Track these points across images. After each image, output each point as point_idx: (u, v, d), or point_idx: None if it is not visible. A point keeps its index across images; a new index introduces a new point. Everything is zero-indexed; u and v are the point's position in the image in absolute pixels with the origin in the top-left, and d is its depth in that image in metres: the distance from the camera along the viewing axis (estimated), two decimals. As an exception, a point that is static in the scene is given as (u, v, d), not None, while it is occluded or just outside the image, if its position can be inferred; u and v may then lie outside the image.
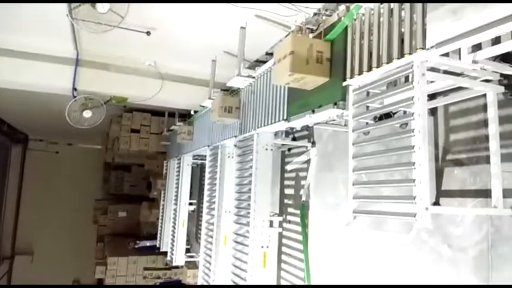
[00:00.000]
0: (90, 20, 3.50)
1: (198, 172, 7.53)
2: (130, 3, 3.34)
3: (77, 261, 10.80)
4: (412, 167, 1.79)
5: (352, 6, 2.29)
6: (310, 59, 2.46)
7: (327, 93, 2.55)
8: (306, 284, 3.62)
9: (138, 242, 8.64)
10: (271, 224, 3.69)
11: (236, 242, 3.88)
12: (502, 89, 1.97)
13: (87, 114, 5.07)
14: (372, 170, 2.15)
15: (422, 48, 1.77)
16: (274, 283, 4.12)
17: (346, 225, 2.17)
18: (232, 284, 3.78)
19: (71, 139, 10.82)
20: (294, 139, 4.10)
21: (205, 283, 4.90)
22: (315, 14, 3.12)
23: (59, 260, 10.70)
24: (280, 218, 4.02)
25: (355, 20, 2.30)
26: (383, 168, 2.06)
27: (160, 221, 7.90)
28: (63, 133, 9.83)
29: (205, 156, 6.31)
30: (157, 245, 7.91)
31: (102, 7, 3.20)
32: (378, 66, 2.07)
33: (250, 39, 3.85)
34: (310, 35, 2.75)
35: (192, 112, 5.81)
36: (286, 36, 2.85)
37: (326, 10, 3.04)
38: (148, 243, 8.43)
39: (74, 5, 3.30)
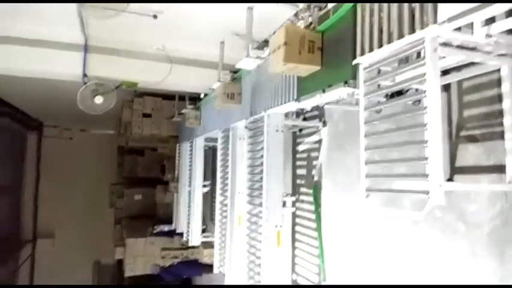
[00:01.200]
0: (97, 6, 3.48)
1: (210, 154, 7.58)
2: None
3: (96, 243, 11.16)
4: (424, 145, 1.77)
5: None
6: (302, 49, 2.60)
7: (337, 72, 2.52)
8: (320, 263, 3.68)
9: (155, 227, 8.80)
10: (284, 204, 3.73)
11: (250, 222, 3.93)
12: (517, 62, 1.92)
13: (98, 100, 5.10)
14: (384, 148, 2.14)
15: (434, 23, 1.73)
16: (289, 261, 4.18)
17: (360, 203, 2.17)
18: (248, 259, 3.85)
19: (84, 125, 10.99)
20: (304, 119, 4.08)
21: (221, 262, 5.01)
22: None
23: (79, 243, 11.06)
24: (293, 198, 4.05)
25: (364, -4, 2.25)
26: (395, 147, 2.04)
27: (175, 203, 8.03)
28: (76, 119, 9.97)
29: (216, 138, 6.38)
30: (173, 227, 8.08)
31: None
32: (388, 43, 2.03)
33: (258, 19, 3.79)
34: (301, 24, 2.76)
35: (202, 95, 5.80)
36: (279, 28, 2.87)
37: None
38: (166, 228, 8.57)
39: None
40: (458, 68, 2.27)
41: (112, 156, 11.80)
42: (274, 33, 4.64)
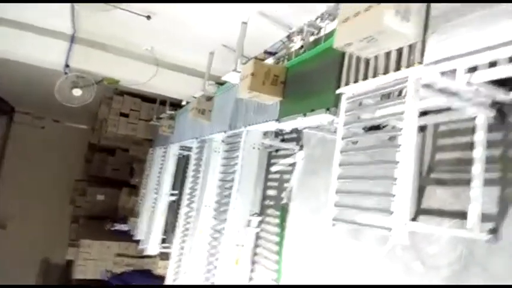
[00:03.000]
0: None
1: (182, 163, 7.46)
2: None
3: (48, 239, 10.62)
4: (393, 181, 1.78)
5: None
6: (266, 81, 3.00)
7: (321, 98, 2.55)
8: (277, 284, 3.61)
9: (115, 224, 8.55)
10: (249, 224, 3.68)
11: (212, 237, 3.85)
12: (493, 113, 1.98)
13: (76, 92, 4.98)
14: (355, 180, 2.15)
15: (420, 63, 1.77)
16: (246, 281, 4.09)
17: (325, 232, 2.16)
18: (204, 284, 3.75)
19: (58, 116, 10.64)
20: (282, 140, 4.08)
21: (176, 275, 4.86)
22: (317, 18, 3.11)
23: (30, 236, 10.50)
24: (260, 218, 4.00)
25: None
26: (367, 179, 2.05)
27: (138, 208, 7.82)
28: (50, 109, 9.66)
29: (191, 148, 6.30)
30: (132, 233, 7.83)
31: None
32: (374, 76, 2.07)
33: (249, 35, 3.82)
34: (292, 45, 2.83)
35: (184, 103, 5.76)
36: (250, 62, 3.18)
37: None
38: (125, 228, 8.33)
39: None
40: (436, 111, 2.33)
41: (82, 151, 11.44)
42: (264, 51, 4.74)
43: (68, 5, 4.12)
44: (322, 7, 3.47)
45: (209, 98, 4.84)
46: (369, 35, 1.82)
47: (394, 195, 1.76)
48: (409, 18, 1.77)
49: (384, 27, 1.72)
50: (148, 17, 4.15)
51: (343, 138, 2.25)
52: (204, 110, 4.72)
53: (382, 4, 1.71)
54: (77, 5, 3.46)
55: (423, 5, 1.81)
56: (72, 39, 4.75)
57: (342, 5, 2.07)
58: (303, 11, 3.63)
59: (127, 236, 8.15)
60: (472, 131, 2.17)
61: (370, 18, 1.77)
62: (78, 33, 4.79)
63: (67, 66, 4.86)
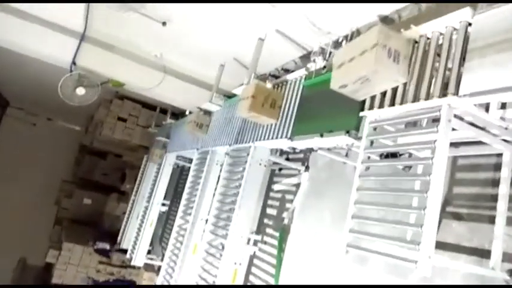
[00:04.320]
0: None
1: (176, 173, 7.34)
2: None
3: (27, 239, 10.22)
4: (422, 211, 1.73)
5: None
6: (265, 103, 3.19)
7: (340, 120, 2.51)
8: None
9: (97, 242, 8.22)
10: (248, 242, 3.58)
11: (208, 253, 3.73)
12: (519, 151, 1.96)
13: (80, 91, 4.88)
14: (374, 206, 2.09)
15: (454, 94, 1.75)
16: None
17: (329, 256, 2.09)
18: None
19: (52, 114, 10.47)
20: (287, 159, 4.03)
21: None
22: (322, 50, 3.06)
23: (9, 234, 10.11)
24: (258, 237, 3.90)
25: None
26: (390, 207, 2.00)
27: (127, 216, 7.62)
28: (45, 106, 9.52)
29: (187, 158, 6.20)
30: (118, 241, 7.60)
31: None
32: (401, 103, 2.04)
33: (264, 52, 3.80)
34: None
35: (187, 112, 5.68)
36: (252, 84, 3.33)
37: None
38: (108, 247, 8.03)
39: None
40: (456, 144, 2.30)
41: (72, 153, 11.22)
42: (275, 69, 4.73)
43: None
44: (342, 31, 3.49)
45: (207, 113, 4.94)
46: (364, 75, 1.98)
47: (420, 226, 1.70)
48: (399, 60, 1.99)
49: (377, 66, 1.91)
50: (164, 24, 4.11)
51: (363, 163, 2.20)
52: (202, 124, 4.85)
53: (375, 48, 1.90)
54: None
55: (409, 50, 2.03)
56: (82, 37, 4.68)
57: (336, 52, 2.36)
58: (320, 33, 3.64)
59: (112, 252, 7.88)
60: (493, 167, 2.15)
61: (365, 60, 1.96)
62: (89, 32, 4.72)
63: (74, 63, 4.77)
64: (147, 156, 7.61)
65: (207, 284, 3.55)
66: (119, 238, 7.61)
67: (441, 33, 1.94)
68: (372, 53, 1.92)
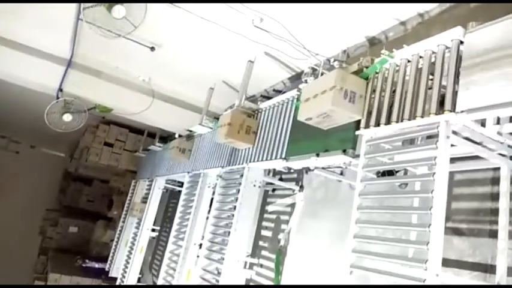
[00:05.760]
0: (99, 25, 3.36)
1: (166, 197, 7.21)
2: (147, 12, 3.24)
3: (11, 271, 9.82)
4: (427, 228, 1.72)
5: (377, 60, 2.30)
6: (241, 130, 3.46)
7: (336, 139, 2.51)
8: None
9: (87, 261, 8.01)
10: (245, 265, 3.50)
11: (203, 278, 3.63)
12: (516, 164, 1.98)
13: (67, 118, 4.80)
14: (377, 225, 2.08)
15: (451, 111, 1.77)
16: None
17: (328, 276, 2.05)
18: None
19: (35, 141, 10.24)
20: (280, 179, 4.01)
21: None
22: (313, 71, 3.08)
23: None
24: (254, 260, 3.83)
25: (377, 73, 2.32)
26: (394, 226, 1.99)
27: (115, 243, 7.41)
28: (29, 133, 9.31)
29: (177, 182, 6.10)
30: (107, 269, 7.36)
31: (118, 12, 3.07)
32: (397, 121, 2.06)
33: (253, 74, 3.82)
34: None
35: (176, 135, 5.64)
36: (229, 112, 3.57)
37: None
38: (97, 265, 7.83)
39: (87, 5, 3.17)
40: (452, 159, 2.32)
41: (56, 180, 10.95)
42: (264, 90, 4.76)
43: (71, 27, 4.04)
44: (330, 52, 3.56)
45: (190, 138, 5.05)
46: (324, 112, 2.30)
47: (426, 243, 1.69)
48: (354, 100, 2.27)
49: (334, 107, 2.22)
50: (152, 49, 4.12)
51: (362, 181, 2.20)
52: (184, 149, 4.99)
53: (332, 90, 2.21)
54: (86, 24, 3.35)
55: (364, 91, 2.30)
56: (69, 63, 4.63)
57: (303, 88, 2.68)
58: (309, 54, 3.70)
59: (100, 274, 7.65)
60: (491, 181, 2.17)
61: (325, 99, 2.27)
62: (75, 58, 4.69)
63: (60, 90, 4.71)
64: (136, 182, 7.48)
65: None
66: (107, 266, 7.38)
67: (433, 52, 1.98)
68: (329, 95, 2.24)
